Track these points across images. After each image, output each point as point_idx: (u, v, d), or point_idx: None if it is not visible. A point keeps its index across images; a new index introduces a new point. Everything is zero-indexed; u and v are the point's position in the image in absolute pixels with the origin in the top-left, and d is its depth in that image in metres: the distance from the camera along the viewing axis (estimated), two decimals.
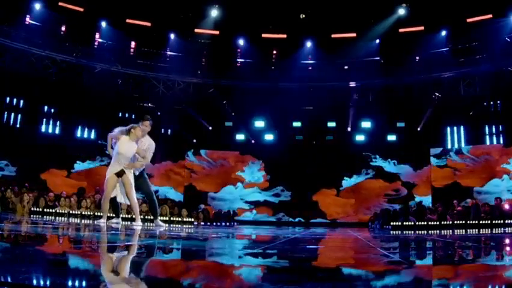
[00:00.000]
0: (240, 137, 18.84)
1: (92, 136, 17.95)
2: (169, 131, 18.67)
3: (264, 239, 5.87)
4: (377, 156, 18.31)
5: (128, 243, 4.05)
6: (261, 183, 18.76)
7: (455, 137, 17.85)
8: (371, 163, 18.36)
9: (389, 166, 18.26)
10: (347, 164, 18.48)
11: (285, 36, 17.26)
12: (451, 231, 10.86)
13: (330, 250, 4.21)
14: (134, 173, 7.11)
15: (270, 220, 18.08)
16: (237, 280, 2.10)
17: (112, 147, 7.03)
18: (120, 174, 6.85)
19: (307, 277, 2.22)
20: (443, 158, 17.65)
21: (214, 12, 16.46)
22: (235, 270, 2.45)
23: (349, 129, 18.39)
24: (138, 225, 6.96)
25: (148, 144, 7.36)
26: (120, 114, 18.19)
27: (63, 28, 16.50)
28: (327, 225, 16.99)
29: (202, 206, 17.19)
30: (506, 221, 12.18)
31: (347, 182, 18.49)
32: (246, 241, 5.58)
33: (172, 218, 12.92)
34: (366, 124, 18.25)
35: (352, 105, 18.10)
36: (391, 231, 10.85)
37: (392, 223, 13.17)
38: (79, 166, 17.31)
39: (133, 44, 17.52)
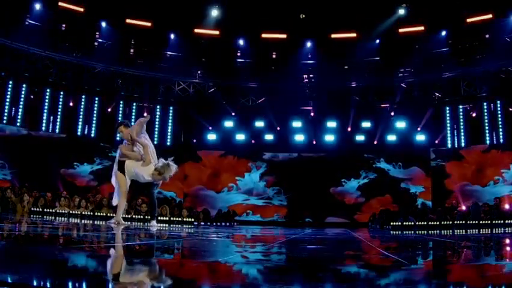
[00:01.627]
0: (240, 137, 18.82)
1: (92, 136, 17.94)
2: (169, 131, 18.66)
3: (263, 239, 5.88)
4: (381, 160, 18.25)
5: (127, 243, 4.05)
6: (260, 184, 18.74)
7: (455, 138, 17.82)
8: (374, 165, 18.32)
9: (392, 169, 18.22)
10: (348, 164, 18.44)
11: (285, 36, 17.25)
12: (450, 231, 10.86)
13: (330, 250, 4.21)
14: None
15: (268, 220, 18.06)
16: (238, 279, 2.10)
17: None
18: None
19: (307, 277, 2.22)
20: (443, 159, 17.63)
21: (214, 12, 16.45)
22: (235, 269, 2.45)
23: (349, 129, 18.37)
24: (111, 222, 7.07)
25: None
26: (120, 114, 18.17)
27: (63, 28, 16.49)
28: (326, 225, 16.98)
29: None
30: (506, 221, 12.18)
31: (347, 183, 18.45)
32: (246, 241, 5.58)
33: (172, 218, 12.93)
34: (366, 124, 18.24)
35: (352, 106, 18.08)
36: (391, 232, 10.86)
37: (391, 223, 13.17)
38: (78, 168, 17.26)
39: (133, 44, 17.50)
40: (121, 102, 17.91)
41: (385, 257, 3.28)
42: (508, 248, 4.85)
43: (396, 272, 2.46)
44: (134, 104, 18.11)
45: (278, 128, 18.69)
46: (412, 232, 10.20)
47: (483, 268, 2.70)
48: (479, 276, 2.21)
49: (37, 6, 15.32)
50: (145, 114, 7.80)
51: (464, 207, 15.19)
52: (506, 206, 14.64)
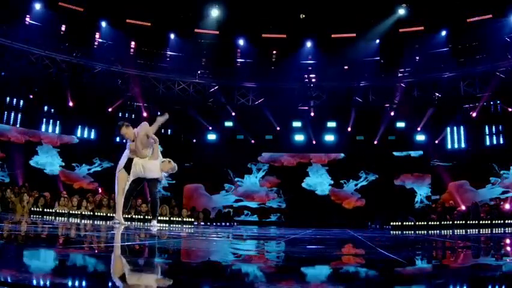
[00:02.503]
0: (240, 137, 18.84)
1: (92, 136, 17.94)
2: (169, 131, 18.66)
3: (263, 239, 5.88)
4: (382, 160, 18.23)
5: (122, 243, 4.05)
6: (260, 184, 18.73)
7: (455, 138, 17.83)
8: (374, 165, 18.29)
9: (392, 169, 18.20)
10: (348, 164, 18.43)
11: (285, 36, 17.26)
12: (450, 231, 10.87)
13: (329, 250, 4.22)
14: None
15: (267, 221, 18.05)
16: (238, 279, 2.10)
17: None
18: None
19: (307, 276, 2.23)
20: (443, 159, 17.61)
21: (214, 12, 16.45)
22: (234, 269, 2.45)
23: (349, 129, 18.37)
24: (115, 222, 7.07)
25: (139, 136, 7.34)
26: (120, 114, 18.21)
27: (63, 28, 16.49)
28: (326, 226, 16.96)
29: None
30: (506, 221, 12.19)
31: (347, 184, 18.44)
32: (245, 241, 5.59)
33: (172, 218, 12.93)
34: (365, 124, 18.25)
35: (352, 106, 18.09)
36: (391, 232, 10.86)
37: (391, 223, 13.18)
38: (77, 169, 17.24)
39: (133, 44, 17.50)
40: (121, 102, 17.92)
41: (384, 257, 3.29)
42: (508, 248, 4.85)
43: (395, 271, 2.46)
44: (134, 104, 18.12)
45: (278, 128, 18.70)
46: (412, 232, 10.20)
47: (482, 268, 2.71)
48: (478, 276, 2.21)
49: (37, 6, 15.33)
50: (166, 114, 7.73)
51: (463, 207, 15.20)
52: (507, 206, 14.64)
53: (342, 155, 18.36)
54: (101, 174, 17.12)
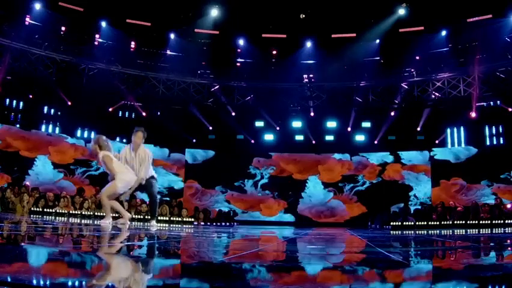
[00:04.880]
0: (240, 137, 18.86)
1: (92, 137, 17.91)
2: (169, 131, 18.66)
3: (263, 239, 5.88)
4: (382, 160, 18.23)
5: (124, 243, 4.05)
6: (259, 184, 18.73)
7: (455, 138, 17.83)
8: (374, 166, 18.30)
9: (392, 169, 18.20)
10: (348, 164, 18.44)
11: (285, 36, 17.25)
12: (450, 231, 10.87)
13: (329, 249, 4.22)
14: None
15: (267, 220, 18.06)
16: (237, 279, 2.10)
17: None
18: None
19: (307, 276, 2.23)
20: (443, 159, 17.61)
21: (214, 12, 16.45)
22: (233, 269, 2.46)
23: (349, 129, 18.38)
24: (104, 222, 7.10)
25: (145, 155, 7.57)
26: (120, 115, 18.19)
27: (63, 28, 16.47)
28: (327, 226, 16.99)
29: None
30: (506, 221, 12.19)
31: (347, 184, 18.45)
32: (245, 241, 5.59)
33: (172, 218, 12.94)
34: (366, 124, 18.26)
35: (352, 106, 18.10)
36: (391, 231, 10.87)
37: (391, 223, 13.19)
38: (77, 171, 17.18)
39: (133, 44, 17.48)
40: (121, 102, 17.92)
41: (384, 257, 3.29)
42: (508, 248, 4.86)
43: (394, 271, 2.46)
44: (134, 104, 18.14)
45: (278, 128, 18.71)
46: (412, 232, 10.20)
47: (482, 268, 2.71)
48: (478, 276, 2.21)
49: (37, 6, 15.31)
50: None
51: (463, 207, 15.20)
52: (508, 206, 14.64)
53: (353, 160, 18.32)
54: (100, 176, 17.09)
